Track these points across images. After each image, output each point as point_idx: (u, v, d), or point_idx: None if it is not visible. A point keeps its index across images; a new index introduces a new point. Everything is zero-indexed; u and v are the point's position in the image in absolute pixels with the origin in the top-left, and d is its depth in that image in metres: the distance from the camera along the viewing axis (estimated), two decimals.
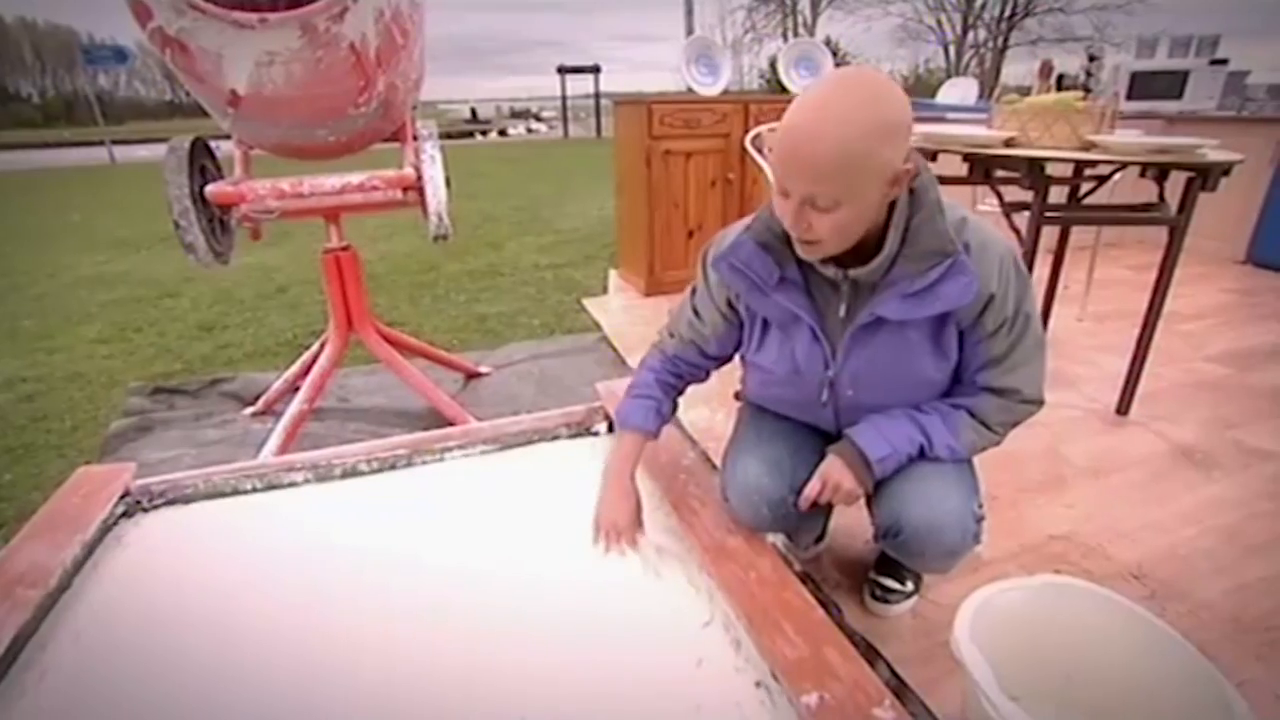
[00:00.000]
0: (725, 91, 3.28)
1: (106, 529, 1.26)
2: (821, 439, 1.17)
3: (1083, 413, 2.05)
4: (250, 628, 1.05)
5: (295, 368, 2.21)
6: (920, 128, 2.01)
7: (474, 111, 30.58)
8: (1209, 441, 1.89)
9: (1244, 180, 2.88)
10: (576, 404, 1.67)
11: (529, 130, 25.62)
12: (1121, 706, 0.94)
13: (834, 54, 3.66)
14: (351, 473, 1.46)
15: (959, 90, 4.74)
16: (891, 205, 0.93)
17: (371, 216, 4.47)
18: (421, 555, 1.21)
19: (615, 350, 2.66)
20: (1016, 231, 1.96)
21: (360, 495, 1.40)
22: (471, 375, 2.47)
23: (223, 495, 1.39)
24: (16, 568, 1.09)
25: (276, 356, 2.73)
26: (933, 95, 4.81)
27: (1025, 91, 2.44)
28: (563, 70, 18.92)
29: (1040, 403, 1.07)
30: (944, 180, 1.04)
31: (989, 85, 12.51)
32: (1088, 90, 2.24)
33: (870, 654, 1.15)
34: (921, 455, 1.06)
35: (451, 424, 1.91)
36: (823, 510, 1.27)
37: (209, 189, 1.71)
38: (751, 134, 2.52)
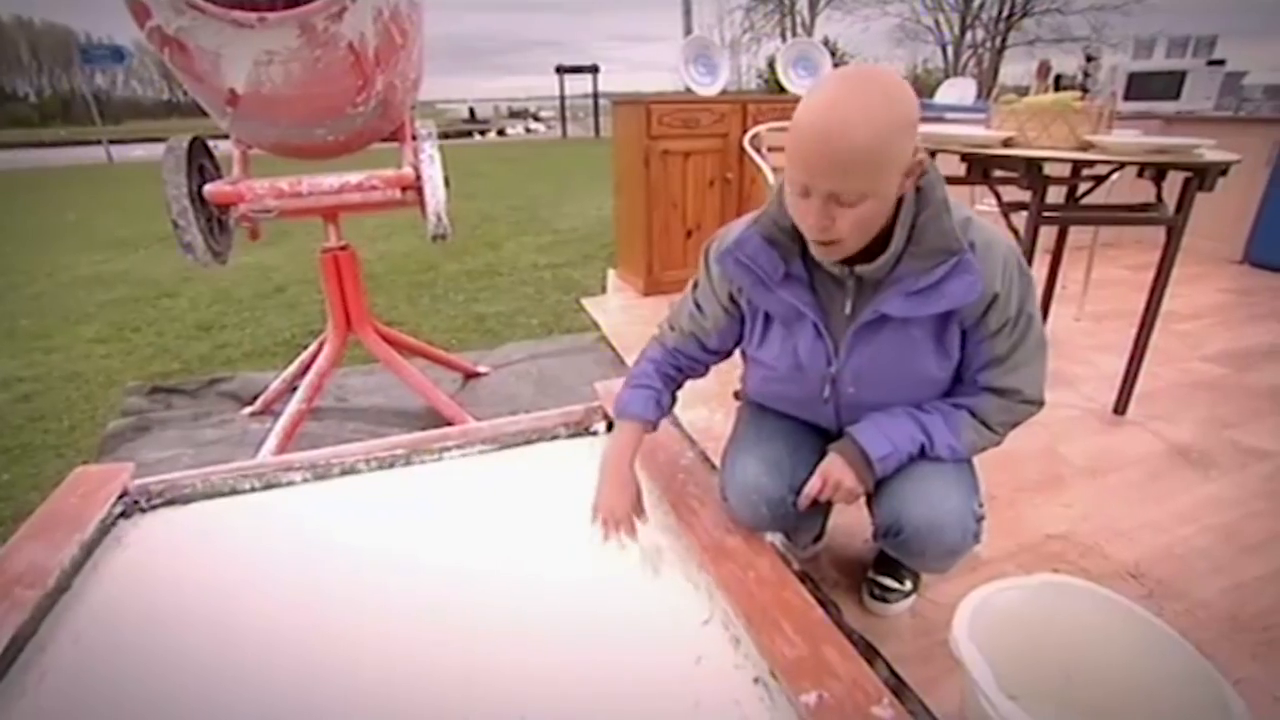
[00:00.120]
0: (723, 91, 3.28)
1: (105, 529, 1.26)
2: (821, 438, 1.17)
3: (1080, 412, 2.05)
4: (249, 628, 1.05)
5: (293, 367, 2.20)
6: (919, 128, 2.01)
7: (472, 111, 30.58)
8: (1206, 441, 1.89)
9: (1241, 180, 2.89)
10: (575, 404, 1.67)
11: (527, 130, 25.62)
12: (1120, 705, 0.94)
13: (832, 54, 3.66)
14: (350, 472, 1.46)
15: (957, 90, 4.75)
16: (898, 202, 0.93)
17: (370, 216, 4.47)
18: (420, 555, 1.21)
19: (614, 350, 2.66)
20: (1015, 231, 1.96)
21: (359, 495, 1.40)
22: (470, 375, 2.47)
23: (221, 495, 1.39)
24: (15, 568, 1.09)
25: (275, 356, 2.72)
26: (931, 95, 4.82)
27: (1023, 92, 2.44)
28: (561, 70, 18.91)
29: (1040, 404, 1.07)
30: None
31: (987, 85, 12.54)
32: (1085, 90, 2.24)
33: (869, 653, 1.16)
34: (922, 454, 1.06)
35: (450, 424, 1.91)
36: (821, 509, 1.27)
37: (207, 188, 1.71)
38: (750, 134, 2.53)
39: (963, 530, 1.05)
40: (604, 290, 3.50)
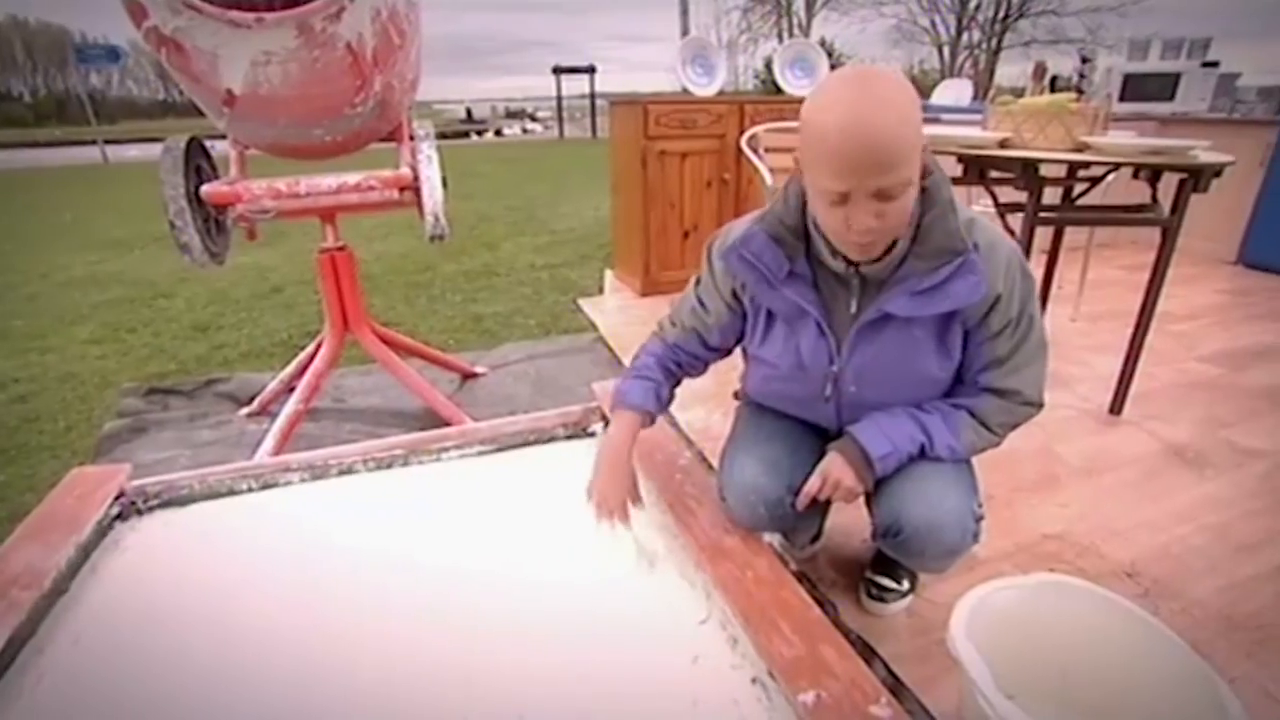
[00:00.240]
0: (720, 92, 3.28)
1: (102, 531, 1.26)
2: (819, 439, 1.17)
3: (1077, 412, 2.06)
4: (248, 629, 1.05)
5: (291, 368, 2.20)
6: None
7: (469, 111, 30.57)
8: (1201, 441, 1.90)
9: (1235, 182, 2.90)
10: (573, 404, 1.67)
11: (524, 130, 25.61)
12: (1117, 704, 0.95)
13: (829, 55, 3.67)
14: (348, 473, 1.46)
15: (953, 91, 4.76)
16: None
17: (367, 217, 4.46)
18: (418, 555, 1.21)
19: (611, 350, 2.66)
20: (1011, 232, 1.97)
21: (357, 496, 1.40)
22: (467, 375, 2.47)
23: (219, 496, 1.39)
24: (11, 569, 1.09)
25: (272, 357, 2.72)
26: (927, 96, 4.83)
27: (1019, 93, 2.45)
28: (558, 70, 18.89)
29: (1040, 405, 1.07)
30: None
31: (983, 86, 12.56)
32: (1081, 92, 2.26)
33: (866, 652, 1.16)
34: (922, 454, 1.06)
35: (448, 424, 1.91)
36: (819, 509, 1.27)
37: (205, 189, 1.71)
38: (747, 134, 2.53)
39: (962, 530, 1.05)
40: (601, 291, 3.50)
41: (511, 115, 35.02)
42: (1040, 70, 2.40)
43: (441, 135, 1.94)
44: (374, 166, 1.85)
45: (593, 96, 18.94)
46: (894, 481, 1.07)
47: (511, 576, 1.15)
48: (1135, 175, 1.89)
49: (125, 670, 0.98)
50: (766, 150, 2.31)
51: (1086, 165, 2.07)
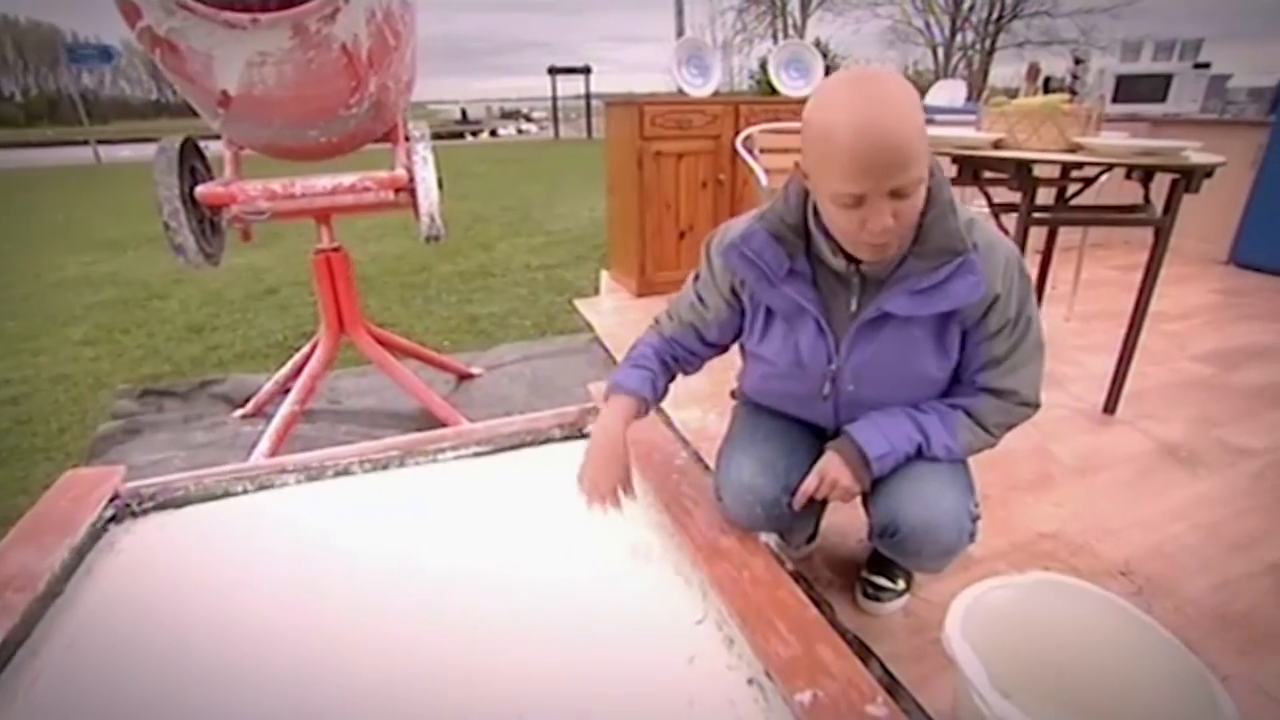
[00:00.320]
0: (716, 93, 3.28)
1: (96, 533, 1.25)
2: (816, 439, 1.18)
3: (1070, 412, 2.07)
4: (244, 630, 1.05)
5: (286, 369, 2.20)
6: None
7: (464, 112, 30.52)
8: (1194, 440, 1.91)
9: (1227, 182, 2.91)
10: (569, 405, 1.67)
11: (519, 131, 25.57)
12: (1111, 702, 0.95)
13: (824, 55, 3.68)
14: (344, 474, 1.45)
15: (947, 92, 4.78)
16: None
17: (363, 217, 4.46)
18: (415, 556, 1.21)
19: (607, 351, 2.66)
20: (1006, 233, 1.97)
21: (353, 497, 1.40)
22: (463, 376, 2.46)
23: (214, 498, 1.38)
24: (5, 572, 1.08)
25: (267, 358, 2.71)
26: (922, 97, 4.84)
27: (1013, 94, 2.46)
28: (553, 71, 18.90)
29: (1036, 406, 1.08)
30: None
31: (977, 87, 12.61)
32: (1074, 93, 2.26)
33: (863, 652, 1.16)
34: (919, 454, 1.06)
35: (444, 425, 1.90)
36: (815, 509, 1.27)
37: (199, 190, 1.70)
38: (742, 135, 2.53)
39: (958, 530, 1.06)
40: (597, 291, 3.50)
41: (507, 116, 35.00)
42: (1034, 71, 2.40)
43: (437, 136, 1.94)
44: (369, 167, 1.85)
45: (588, 97, 18.94)
46: (891, 481, 1.08)
47: (508, 577, 1.15)
48: (1128, 176, 1.90)
49: (120, 673, 0.97)
50: (761, 151, 2.31)
51: (1080, 166, 2.08)
